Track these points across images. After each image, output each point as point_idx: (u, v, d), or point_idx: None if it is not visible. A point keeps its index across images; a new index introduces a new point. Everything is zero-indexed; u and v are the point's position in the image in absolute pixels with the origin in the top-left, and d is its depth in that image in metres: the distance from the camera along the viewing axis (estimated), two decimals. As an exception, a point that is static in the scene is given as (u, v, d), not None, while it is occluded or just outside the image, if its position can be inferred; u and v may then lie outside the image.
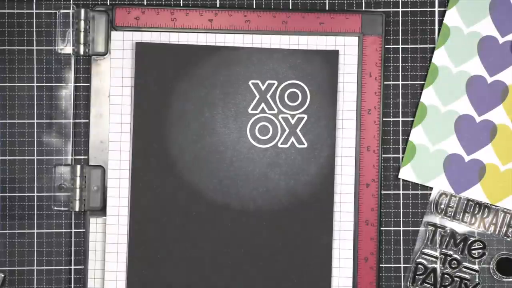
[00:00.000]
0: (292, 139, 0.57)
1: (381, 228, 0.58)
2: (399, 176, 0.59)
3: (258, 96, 0.57)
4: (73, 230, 0.58)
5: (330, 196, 0.57)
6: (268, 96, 0.57)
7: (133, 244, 0.57)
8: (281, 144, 0.57)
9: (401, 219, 0.59)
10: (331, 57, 0.57)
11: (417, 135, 0.58)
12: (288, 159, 0.57)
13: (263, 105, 0.57)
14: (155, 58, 0.57)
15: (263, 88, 0.57)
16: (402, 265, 0.59)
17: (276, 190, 0.57)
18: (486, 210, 0.58)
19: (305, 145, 0.57)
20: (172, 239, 0.57)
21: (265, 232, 0.57)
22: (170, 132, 0.57)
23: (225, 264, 0.57)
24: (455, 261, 0.58)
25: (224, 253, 0.57)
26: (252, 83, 0.57)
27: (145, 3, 0.59)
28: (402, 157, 0.59)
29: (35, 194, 0.58)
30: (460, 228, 0.58)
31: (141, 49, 0.57)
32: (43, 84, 0.58)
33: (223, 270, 0.57)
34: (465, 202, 0.58)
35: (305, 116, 0.57)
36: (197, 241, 0.57)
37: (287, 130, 0.57)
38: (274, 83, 0.57)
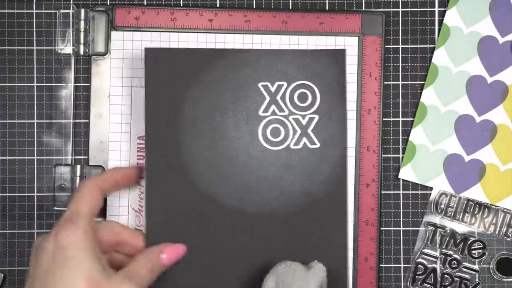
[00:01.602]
0: (304, 139, 0.57)
1: (381, 228, 0.58)
2: (399, 176, 0.59)
3: (268, 98, 0.57)
4: (73, 230, 0.58)
5: (344, 195, 0.57)
6: (278, 98, 0.57)
7: None
8: (294, 145, 0.57)
9: (401, 219, 0.59)
10: (339, 56, 0.57)
11: (417, 135, 0.58)
12: (301, 160, 0.57)
13: (273, 107, 0.57)
14: (164, 63, 0.56)
15: (272, 89, 0.57)
16: (402, 265, 0.59)
17: (291, 192, 0.56)
18: (486, 210, 0.58)
19: (318, 145, 0.57)
20: (189, 246, 0.55)
21: (281, 235, 0.56)
22: (183, 140, 0.56)
23: (243, 268, 0.56)
24: (455, 261, 0.58)
25: (242, 259, 0.56)
26: (262, 85, 0.57)
27: (145, 3, 0.59)
28: (402, 157, 0.59)
29: (35, 194, 0.58)
30: (460, 228, 0.58)
31: (149, 54, 0.55)
32: (43, 84, 0.58)
33: (241, 276, 0.56)
34: (465, 202, 0.58)
35: (316, 116, 0.57)
36: (214, 247, 0.56)
37: (299, 131, 0.57)
38: (283, 84, 0.57)
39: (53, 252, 0.45)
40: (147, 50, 0.56)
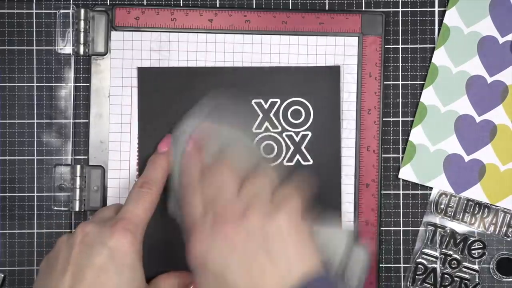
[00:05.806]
0: (297, 156, 0.57)
1: (381, 228, 0.58)
2: (399, 176, 0.59)
3: (261, 115, 0.57)
4: (73, 230, 0.58)
5: (337, 211, 0.56)
6: (271, 115, 0.57)
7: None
8: (287, 162, 0.57)
9: (401, 219, 0.59)
10: (333, 73, 0.57)
11: (417, 135, 0.58)
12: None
13: (266, 123, 0.57)
14: (156, 83, 0.56)
15: (266, 106, 0.57)
16: (402, 265, 0.59)
17: None
18: (486, 210, 0.58)
19: (311, 162, 0.57)
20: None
21: None
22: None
23: None
24: (455, 261, 0.58)
25: None
26: (255, 102, 0.57)
27: (145, 3, 0.59)
28: (402, 157, 0.59)
29: (35, 194, 0.58)
30: (460, 228, 0.58)
31: (142, 74, 0.56)
32: (43, 84, 0.58)
33: None
34: (465, 202, 0.58)
35: (309, 133, 0.57)
36: None
37: (292, 148, 0.57)
38: (277, 101, 0.57)
39: (112, 251, 0.46)
40: (140, 70, 0.56)
